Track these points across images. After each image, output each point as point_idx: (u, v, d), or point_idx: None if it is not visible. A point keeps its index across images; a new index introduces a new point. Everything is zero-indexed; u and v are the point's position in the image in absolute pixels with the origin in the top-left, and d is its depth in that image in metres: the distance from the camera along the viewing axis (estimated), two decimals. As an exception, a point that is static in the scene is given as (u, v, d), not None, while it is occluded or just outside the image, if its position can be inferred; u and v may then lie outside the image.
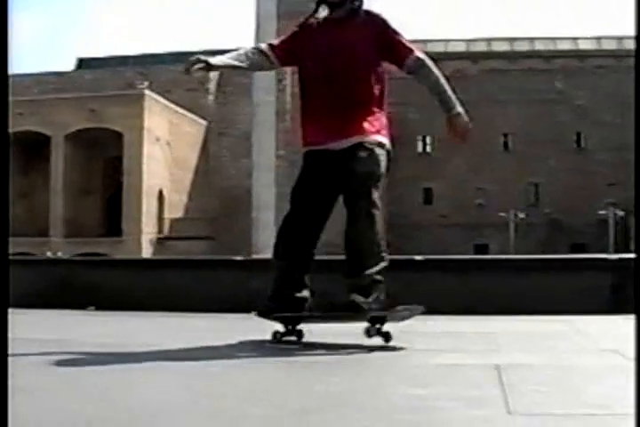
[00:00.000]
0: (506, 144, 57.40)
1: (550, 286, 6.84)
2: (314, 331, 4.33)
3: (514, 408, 2.32)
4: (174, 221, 54.13)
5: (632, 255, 7.89)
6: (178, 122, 55.24)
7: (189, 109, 56.04)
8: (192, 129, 57.72)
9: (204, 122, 58.76)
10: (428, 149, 57.64)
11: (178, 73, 50.83)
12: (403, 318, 4.19)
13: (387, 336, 3.99)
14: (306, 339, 4.29)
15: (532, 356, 3.71)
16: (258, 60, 4.55)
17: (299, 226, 4.50)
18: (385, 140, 4.47)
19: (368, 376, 3.21)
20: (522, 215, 53.25)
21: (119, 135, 50.37)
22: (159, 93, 52.64)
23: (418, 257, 7.09)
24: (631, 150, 53.25)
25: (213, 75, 53.61)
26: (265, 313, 4.42)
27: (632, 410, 2.30)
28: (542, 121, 55.07)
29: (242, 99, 47.95)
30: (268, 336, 4.22)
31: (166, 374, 3.24)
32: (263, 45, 4.61)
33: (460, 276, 6.96)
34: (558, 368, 3.30)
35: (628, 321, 5.83)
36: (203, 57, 4.40)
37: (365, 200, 4.28)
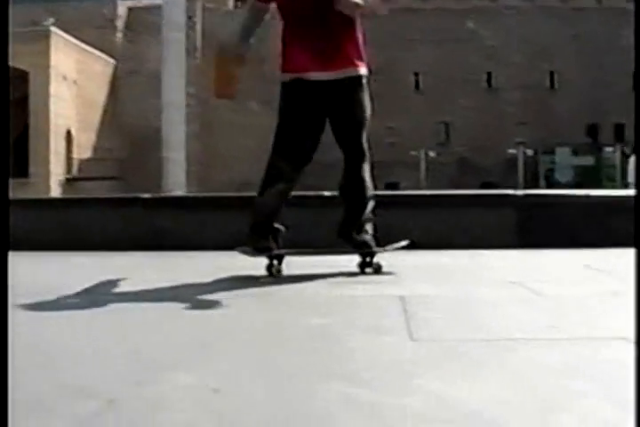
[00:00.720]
0: (417, 83, 57.54)
1: (458, 221, 6.93)
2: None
3: (417, 336, 2.38)
4: (83, 162, 53.21)
5: (538, 191, 8.04)
6: (85, 60, 53.96)
7: (98, 48, 54.80)
8: (100, 68, 56.48)
9: (112, 60, 57.57)
10: (341, 88, 57.48)
11: (86, 10, 49.65)
12: (393, 250, 4.58)
13: (378, 268, 4.35)
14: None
15: (437, 288, 3.78)
16: (257, 15, 4.75)
17: (290, 157, 4.59)
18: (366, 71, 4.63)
19: (270, 309, 3.20)
20: (432, 154, 53.68)
21: (25, 75, 49.09)
22: (67, 31, 51.33)
23: (326, 193, 7.11)
24: (540, 90, 53.98)
25: (122, 11, 52.43)
26: (258, 248, 4.41)
27: (531, 336, 2.38)
28: (453, 61, 55.27)
29: (151, 37, 47.05)
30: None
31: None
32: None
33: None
34: (462, 299, 3.38)
35: (532, 255, 5.98)
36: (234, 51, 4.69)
37: (361, 147, 4.53)
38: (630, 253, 6.16)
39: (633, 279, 3.94)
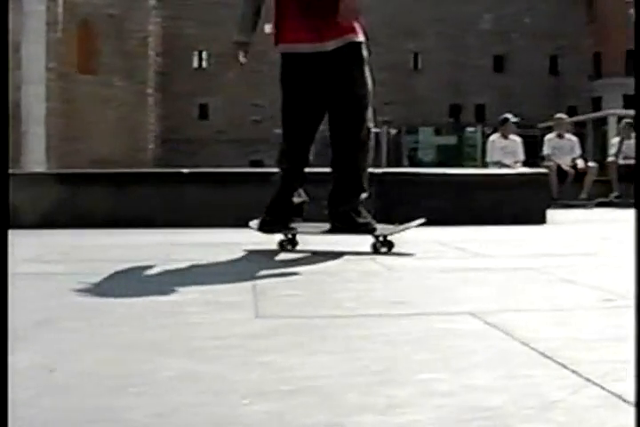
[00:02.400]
0: (282, 61, 57.49)
1: (315, 198, 6.97)
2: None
3: (262, 312, 2.38)
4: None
5: (396, 169, 8.16)
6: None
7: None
8: (-45, 38, 54.50)
9: (-32, 31, 55.59)
10: (204, 64, 56.89)
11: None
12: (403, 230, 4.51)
13: (390, 245, 4.30)
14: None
15: (292, 266, 3.80)
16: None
17: (300, 132, 4.62)
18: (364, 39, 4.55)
19: (118, 286, 3.14)
20: (297, 132, 53.86)
21: None
22: None
23: (185, 170, 7.06)
24: (405, 70, 54.68)
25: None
26: (270, 226, 4.51)
27: (381, 311, 2.41)
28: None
29: (12, 8, 45.68)
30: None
31: None
32: None
33: (221, 189, 6.97)
34: (313, 274, 3.40)
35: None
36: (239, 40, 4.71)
37: (362, 126, 4.47)
38: (488, 229, 6.35)
39: (509, 254, 4.06)
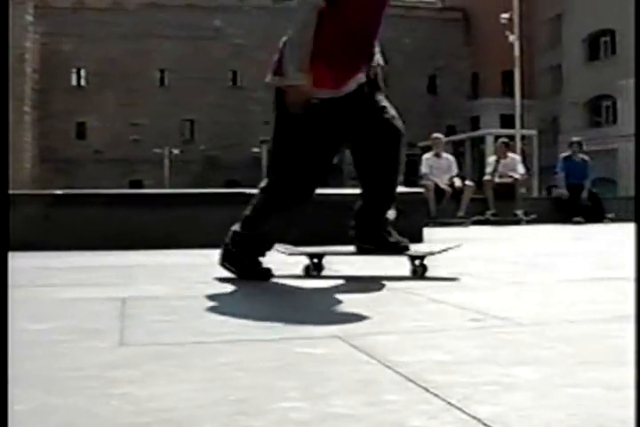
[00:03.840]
0: (162, 79, 57.04)
1: (198, 219, 6.92)
2: None
3: (127, 339, 2.32)
4: None
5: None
6: None
7: None
8: None
9: None
10: (83, 82, 56.00)
11: None
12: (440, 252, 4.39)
13: (424, 269, 4.16)
14: None
15: (162, 287, 3.74)
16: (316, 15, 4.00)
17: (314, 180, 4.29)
18: None
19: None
20: (177, 151, 53.47)
21: None
22: None
23: (58, 191, 6.91)
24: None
25: None
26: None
27: (248, 336, 2.37)
28: (199, 57, 55.29)
29: None
30: None
31: None
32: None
33: (103, 210, 6.86)
34: (185, 298, 3.34)
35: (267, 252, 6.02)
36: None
37: (401, 155, 4.32)
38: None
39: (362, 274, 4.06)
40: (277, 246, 4.40)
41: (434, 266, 4.23)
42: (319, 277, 4.14)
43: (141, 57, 53.50)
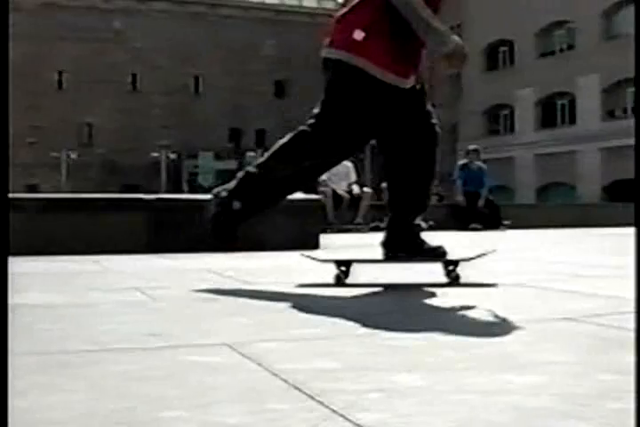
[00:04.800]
0: (60, 82, 56.15)
1: (90, 225, 6.82)
2: None
3: (14, 349, 2.27)
4: None
5: (169, 195, 8.08)
6: None
7: None
8: None
9: None
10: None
11: None
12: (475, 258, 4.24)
13: (457, 277, 4.07)
14: None
15: (55, 295, 3.68)
16: None
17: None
18: None
19: None
20: (74, 155, 52.69)
21: None
22: None
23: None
24: (185, 94, 54.43)
25: None
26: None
27: (136, 344, 2.35)
28: (99, 60, 54.63)
29: None
30: None
31: None
32: None
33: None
34: (78, 306, 3.30)
35: (161, 260, 6.00)
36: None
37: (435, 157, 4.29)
38: (262, 256, 6.37)
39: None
40: (305, 253, 4.42)
41: (332, 271, 4.24)
42: (344, 285, 4.06)
43: (39, 58, 52.58)
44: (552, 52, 48.72)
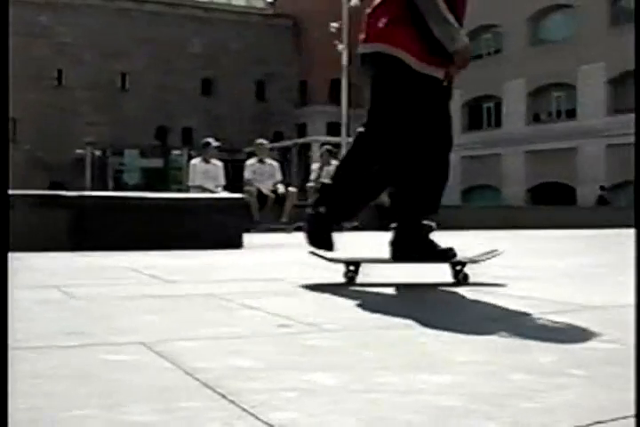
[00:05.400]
0: (-17, 76, 55.09)
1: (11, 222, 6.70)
2: None
3: None
4: None
5: (92, 193, 7.98)
6: None
7: None
8: None
9: None
10: None
11: None
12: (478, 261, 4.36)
13: (466, 277, 4.18)
14: None
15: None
16: None
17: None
18: None
19: None
20: (-2, 151, 51.75)
21: None
22: None
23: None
24: (112, 90, 53.84)
25: None
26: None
27: (49, 342, 2.31)
28: (24, 55, 53.70)
29: None
30: None
31: None
32: None
33: None
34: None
35: (82, 258, 5.92)
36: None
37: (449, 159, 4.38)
38: (185, 254, 6.33)
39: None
40: (315, 251, 4.43)
41: (255, 271, 4.24)
42: (354, 284, 4.14)
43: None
44: (479, 56, 49.21)
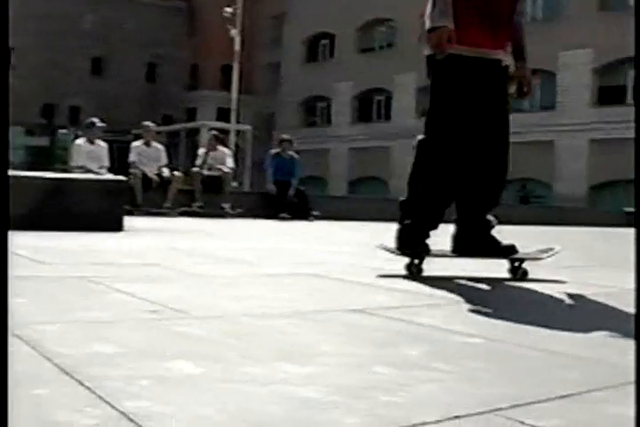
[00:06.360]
0: None
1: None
2: None
3: None
4: None
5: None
6: None
7: None
8: None
9: None
10: None
11: None
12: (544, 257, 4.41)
13: (525, 273, 4.29)
14: None
15: None
16: None
17: (463, 147, 4.23)
18: None
19: None
20: None
21: None
22: None
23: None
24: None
25: None
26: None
27: None
28: None
29: None
30: None
31: None
32: None
33: None
34: None
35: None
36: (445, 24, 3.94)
37: (508, 142, 4.34)
38: (64, 236, 6.19)
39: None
40: (385, 246, 4.43)
41: (133, 255, 4.16)
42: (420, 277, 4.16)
43: None
44: (372, 49, 49.58)
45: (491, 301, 3.46)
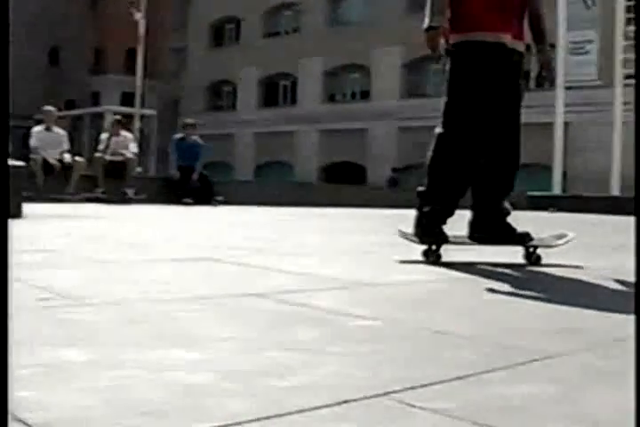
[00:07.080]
0: None
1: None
2: None
3: None
4: None
5: None
6: None
7: None
8: None
9: None
10: None
11: None
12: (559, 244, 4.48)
13: (539, 259, 4.36)
14: None
15: None
16: None
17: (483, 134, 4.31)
18: None
19: None
20: None
21: None
22: None
23: None
24: None
25: None
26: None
27: None
28: None
29: None
30: None
31: None
32: None
33: None
34: None
35: None
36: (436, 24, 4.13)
37: (520, 130, 4.37)
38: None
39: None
40: (405, 233, 4.53)
41: (31, 241, 4.06)
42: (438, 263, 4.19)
43: None
44: (278, 33, 49.45)
45: (401, 282, 3.47)
